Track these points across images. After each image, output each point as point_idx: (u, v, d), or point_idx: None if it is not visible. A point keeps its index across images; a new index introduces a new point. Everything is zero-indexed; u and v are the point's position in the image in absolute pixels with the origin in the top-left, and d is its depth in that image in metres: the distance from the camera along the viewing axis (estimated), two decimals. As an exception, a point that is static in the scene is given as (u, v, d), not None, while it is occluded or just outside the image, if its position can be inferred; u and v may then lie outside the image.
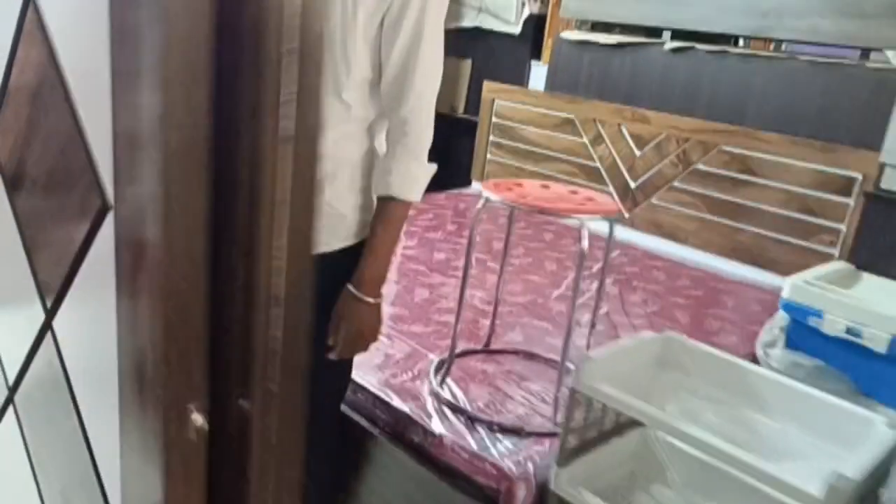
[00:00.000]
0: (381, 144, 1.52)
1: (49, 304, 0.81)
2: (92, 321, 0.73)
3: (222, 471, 0.70)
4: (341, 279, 1.48)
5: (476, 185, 1.75)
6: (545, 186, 1.88)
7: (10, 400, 0.97)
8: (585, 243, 1.63)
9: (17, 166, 0.82)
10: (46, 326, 0.84)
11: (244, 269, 0.64)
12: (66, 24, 0.72)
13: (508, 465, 1.59)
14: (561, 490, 1.53)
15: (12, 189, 0.84)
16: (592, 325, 1.95)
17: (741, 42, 3.24)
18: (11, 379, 0.95)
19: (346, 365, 1.64)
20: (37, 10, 0.77)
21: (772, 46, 3.26)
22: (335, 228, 1.47)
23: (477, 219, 1.79)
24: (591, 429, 1.60)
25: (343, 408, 1.78)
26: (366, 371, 1.89)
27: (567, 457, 1.54)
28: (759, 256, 2.96)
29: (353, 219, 1.50)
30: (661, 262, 3.11)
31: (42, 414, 0.89)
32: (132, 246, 0.64)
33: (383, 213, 1.46)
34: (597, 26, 3.68)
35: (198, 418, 0.65)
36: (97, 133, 0.67)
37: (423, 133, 1.45)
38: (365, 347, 1.54)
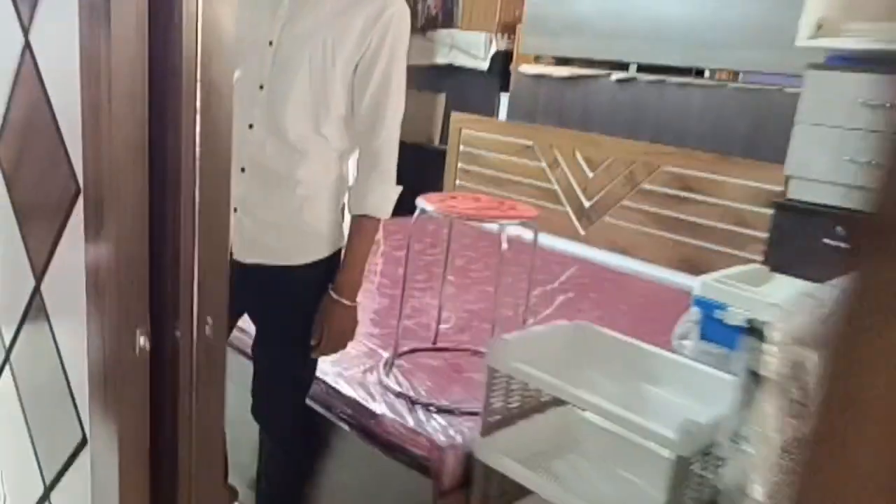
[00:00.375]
0: (348, 170, 1.79)
1: (37, 272, 1.07)
2: (70, 277, 0.98)
3: (161, 384, 0.95)
4: (318, 286, 1.74)
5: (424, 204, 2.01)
6: (476, 199, 2.15)
7: (9, 351, 1.22)
8: (504, 245, 1.90)
9: (15, 164, 1.09)
10: (36, 290, 1.10)
11: (173, 234, 0.90)
12: (52, 68, 0.99)
13: (440, 438, 1.83)
14: (484, 457, 1.77)
15: (11, 185, 1.11)
16: (524, 321, 2.20)
17: (706, 73, 3.46)
18: (8, 340, 1.21)
19: (314, 363, 1.90)
20: (32, 54, 1.03)
21: (733, 75, 3.47)
22: (314, 244, 1.74)
23: (413, 227, 2.07)
24: (513, 405, 1.84)
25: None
26: (324, 366, 2.13)
27: (489, 429, 1.78)
28: (701, 266, 3.21)
29: (328, 234, 1.75)
30: (613, 276, 3.37)
31: (30, 342, 1.15)
32: (95, 215, 0.90)
33: (360, 229, 1.72)
34: (558, 60, 3.99)
35: (143, 340, 0.91)
36: (72, 141, 0.94)
37: (392, 160, 1.73)
38: (344, 345, 1.80)
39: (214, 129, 0.88)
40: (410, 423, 1.89)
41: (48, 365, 1.08)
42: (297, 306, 1.76)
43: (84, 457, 1.04)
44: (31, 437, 1.21)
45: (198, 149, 0.87)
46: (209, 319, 0.95)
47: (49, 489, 1.18)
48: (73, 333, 1.00)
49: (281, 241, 1.72)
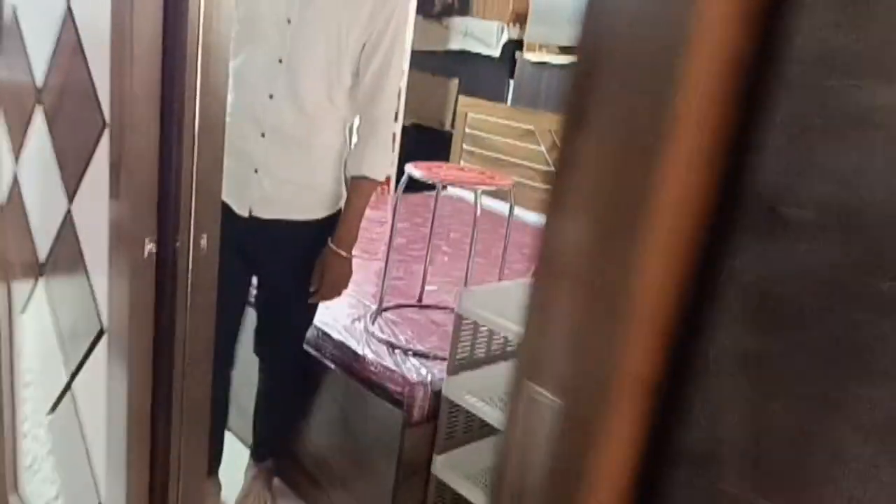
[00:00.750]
0: (349, 136, 2.03)
1: (69, 193, 1.31)
2: (95, 199, 1.23)
3: (163, 285, 1.19)
4: (322, 241, 1.98)
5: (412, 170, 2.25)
6: (460, 169, 2.37)
7: (43, 266, 1.47)
8: (479, 210, 2.12)
9: (56, 105, 1.33)
10: (68, 212, 1.34)
11: (177, 164, 1.13)
12: (87, 28, 1.23)
13: (412, 376, 2.06)
14: (449, 393, 2.00)
15: (51, 121, 1.35)
16: (499, 279, 2.43)
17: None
18: (43, 256, 1.46)
19: (315, 308, 2.15)
20: (72, 17, 1.27)
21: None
22: (322, 202, 1.98)
23: (400, 193, 2.30)
24: (479, 351, 2.07)
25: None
26: (320, 315, 2.38)
27: (455, 369, 2.01)
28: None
29: (334, 193, 2.00)
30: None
31: (61, 255, 1.39)
32: (117, 145, 1.14)
33: (357, 189, 1.97)
34: (562, 49, 4.19)
35: (150, 246, 1.15)
36: (102, 88, 1.17)
37: (389, 129, 1.98)
38: (339, 292, 2.05)
39: (212, 81, 1.11)
40: (388, 363, 2.12)
41: (74, 271, 1.33)
42: (304, 258, 2.01)
43: (102, 345, 1.29)
44: (58, 334, 1.46)
45: (198, 97, 1.11)
46: (203, 235, 1.19)
47: (71, 378, 1.43)
48: (96, 244, 1.24)
49: (297, 197, 1.94)
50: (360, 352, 2.18)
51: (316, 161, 1.93)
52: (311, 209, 1.98)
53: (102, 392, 1.30)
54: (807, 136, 0.45)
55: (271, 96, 1.82)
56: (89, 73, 1.19)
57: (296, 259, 2.01)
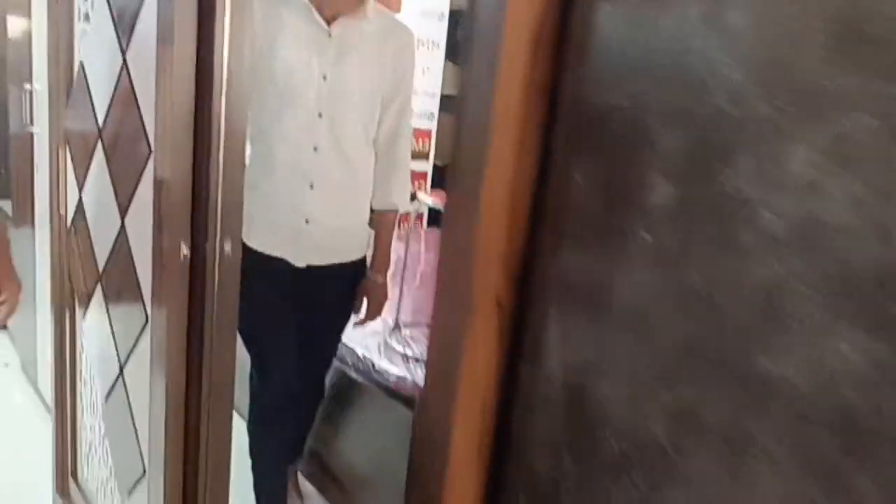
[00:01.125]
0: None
1: (122, 211, 1.61)
2: (143, 214, 1.51)
3: (195, 282, 1.46)
4: (357, 277, 2.18)
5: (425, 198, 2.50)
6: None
7: (102, 274, 1.77)
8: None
9: (113, 140, 1.64)
10: (122, 227, 1.63)
11: (206, 183, 1.41)
12: (139, 76, 1.53)
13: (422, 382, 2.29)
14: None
15: (109, 154, 1.66)
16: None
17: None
18: (103, 264, 1.75)
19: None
20: (127, 69, 1.58)
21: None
22: (361, 242, 2.16)
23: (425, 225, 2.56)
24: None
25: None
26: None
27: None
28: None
29: (367, 232, 2.19)
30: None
31: (116, 261, 1.68)
32: (160, 169, 1.43)
33: (385, 221, 2.18)
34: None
35: (184, 248, 1.42)
36: (149, 123, 1.47)
37: (408, 165, 2.18)
38: (380, 313, 2.28)
39: (234, 119, 1.39)
40: (404, 373, 2.37)
41: (126, 274, 1.61)
42: (346, 295, 2.20)
43: (146, 334, 1.56)
44: (112, 330, 1.74)
45: (223, 131, 1.39)
46: (228, 240, 1.46)
47: (122, 367, 1.71)
48: (143, 250, 1.52)
49: (344, 242, 2.11)
50: (377, 364, 2.42)
51: (358, 205, 2.10)
52: (354, 250, 2.16)
53: (147, 376, 1.57)
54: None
55: (316, 149, 1.95)
56: (139, 112, 1.49)
57: (340, 297, 2.21)
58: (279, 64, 1.91)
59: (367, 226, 2.18)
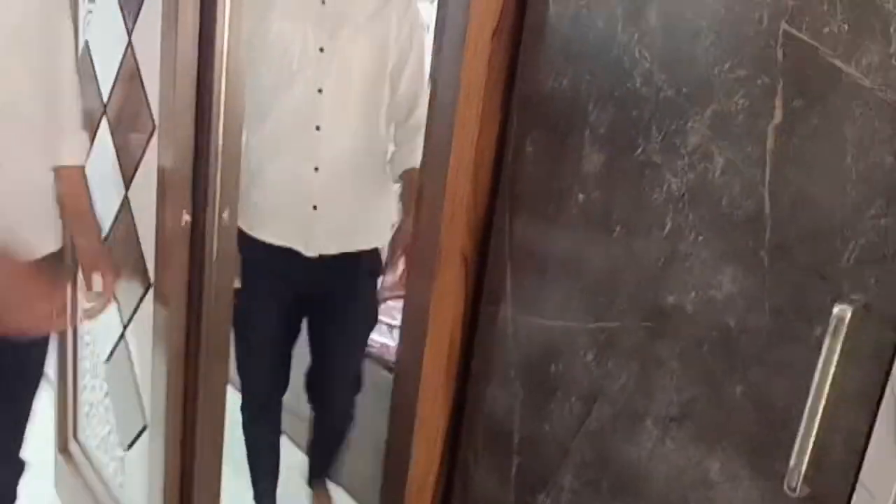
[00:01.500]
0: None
1: (126, 183, 1.73)
2: (147, 185, 1.63)
3: (194, 248, 1.58)
4: (374, 272, 1.99)
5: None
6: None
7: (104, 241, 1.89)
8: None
9: (118, 116, 1.75)
10: (125, 198, 1.75)
11: (206, 156, 1.53)
12: (144, 56, 1.64)
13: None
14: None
15: (114, 128, 1.78)
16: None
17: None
18: (104, 233, 1.87)
19: (363, 354, 2.21)
20: (132, 48, 1.69)
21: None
22: (380, 227, 1.94)
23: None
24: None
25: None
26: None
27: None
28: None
29: (386, 219, 1.94)
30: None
31: (120, 229, 1.81)
32: (163, 143, 1.54)
33: (410, 180, 1.84)
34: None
35: (186, 217, 1.54)
36: (153, 100, 1.58)
37: (424, 127, 2.12)
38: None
39: (233, 94, 1.51)
40: (385, 340, 2.50)
41: (129, 243, 1.73)
42: (364, 293, 1.99)
43: (149, 296, 1.69)
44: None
45: (223, 107, 1.51)
46: (226, 209, 1.58)
47: (125, 327, 1.83)
48: (146, 219, 1.64)
49: (358, 227, 1.90)
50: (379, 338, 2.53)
51: (370, 188, 1.91)
52: (373, 238, 1.96)
53: (149, 334, 1.69)
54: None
55: (318, 128, 1.79)
56: (144, 90, 1.61)
57: (361, 287, 2.00)
58: (272, 37, 1.76)
59: (387, 210, 1.98)
